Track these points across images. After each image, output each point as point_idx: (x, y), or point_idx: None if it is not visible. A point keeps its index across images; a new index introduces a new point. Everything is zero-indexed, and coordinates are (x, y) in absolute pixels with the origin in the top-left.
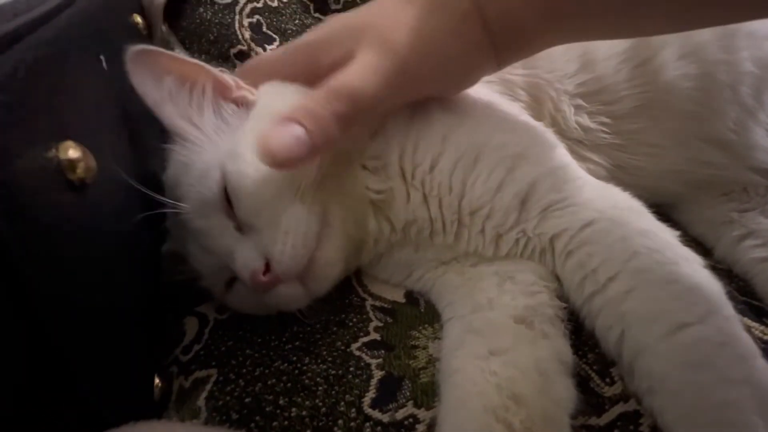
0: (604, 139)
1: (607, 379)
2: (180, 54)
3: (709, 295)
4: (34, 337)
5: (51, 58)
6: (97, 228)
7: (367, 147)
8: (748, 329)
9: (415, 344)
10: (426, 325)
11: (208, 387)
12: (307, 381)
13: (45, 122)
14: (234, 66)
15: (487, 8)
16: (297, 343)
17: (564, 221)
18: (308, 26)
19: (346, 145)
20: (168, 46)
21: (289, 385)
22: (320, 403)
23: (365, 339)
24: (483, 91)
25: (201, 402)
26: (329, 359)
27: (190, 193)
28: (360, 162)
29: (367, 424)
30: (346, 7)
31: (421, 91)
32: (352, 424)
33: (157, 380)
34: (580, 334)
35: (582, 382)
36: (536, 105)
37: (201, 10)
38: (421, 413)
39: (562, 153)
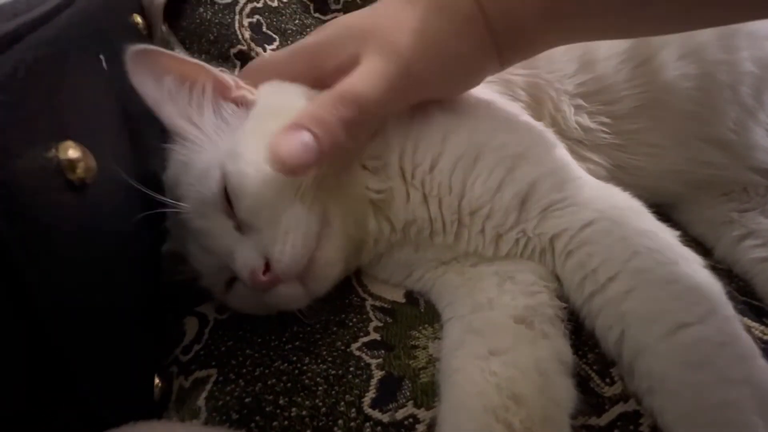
0: (604, 139)
1: (607, 379)
2: (180, 54)
3: (709, 295)
4: (34, 337)
5: (51, 58)
6: (97, 228)
7: (367, 147)
8: (748, 329)
9: (415, 344)
10: (426, 325)
11: (208, 387)
12: (307, 381)
13: (45, 122)
14: (234, 66)
15: (489, 9)
16: (297, 343)
17: (564, 221)
18: (308, 26)
19: (351, 149)
20: (168, 46)
21: (289, 385)
22: (320, 403)
23: (365, 339)
24: (483, 91)
25: (201, 402)
26: (329, 359)
27: (190, 193)
28: (360, 162)
29: (367, 424)
30: (346, 7)
31: (425, 94)
32: (352, 424)
33: (157, 380)
34: (580, 334)
35: (582, 382)
36: (536, 105)
37: (201, 10)
38: (421, 413)
39: (562, 153)
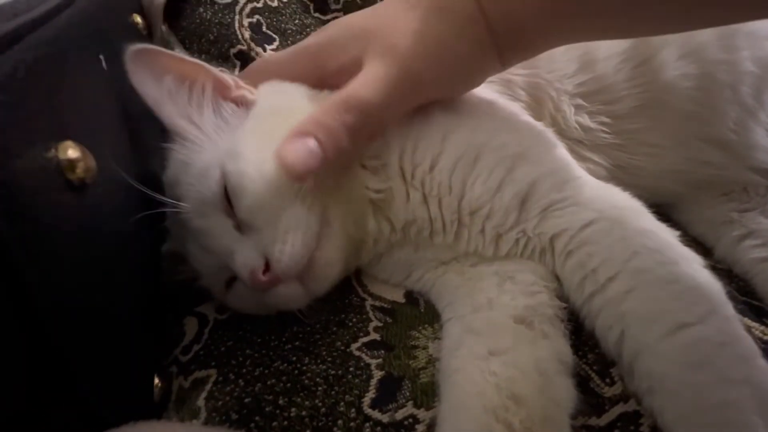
0: (604, 139)
1: (607, 379)
2: (180, 53)
3: (709, 295)
4: (34, 337)
5: (51, 58)
6: (97, 228)
7: (367, 147)
8: (748, 329)
9: (415, 344)
10: (426, 325)
11: (208, 387)
12: (306, 381)
13: (45, 122)
14: (234, 66)
15: (489, 10)
16: (297, 343)
17: (564, 221)
18: (308, 26)
19: (354, 152)
20: (168, 46)
21: (288, 385)
22: (320, 403)
23: (365, 339)
24: (483, 90)
25: (200, 402)
26: (329, 359)
27: (189, 193)
28: (360, 162)
29: (367, 424)
30: (346, 7)
31: (427, 96)
32: (352, 424)
33: (157, 380)
34: (580, 334)
35: (582, 382)
36: (536, 105)
37: (201, 10)
38: (421, 413)
39: (562, 153)
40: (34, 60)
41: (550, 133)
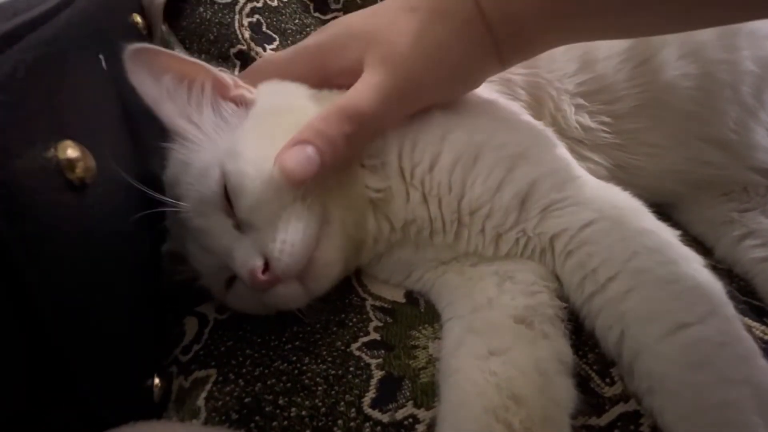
0: (604, 139)
1: (607, 379)
2: (179, 53)
3: (710, 295)
4: (34, 337)
5: (50, 58)
6: (97, 228)
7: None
8: (749, 329)
9: (415, 344)
10: (426, 325)
11: (208, 387)
12: (306, 381)
13: (44, 122)
14: (234, 66)
15: (488, 11)
16: (297, 343)
17: (564, 221)
18: (308, 26)
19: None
20: (168, 45)
21: (288, 385)
22: (320, 403)
23: (365, 339)
24: (483, 90)
25: (201, 402)
26: (329, 359)
27: (189, 192)
28: (359, 161)
29: (367, 424)
30: (346, 7)
31: (427, 102)
32: (352, 424)
33: (157, 380)
34: (580, 334)
35: (582, 382)
36: (536, 104)
37: (201, 9)
38: (421, 413)
39: (562, 152)
40: (34, 60)
41: (550, 133)
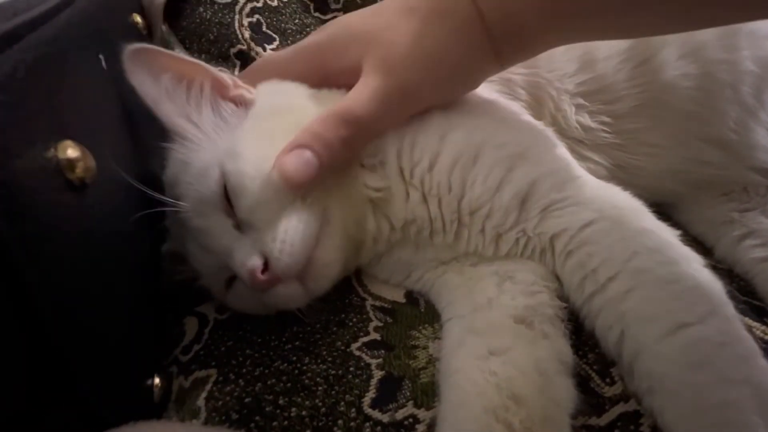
0: (604, 139)
1: (607, 379)
2: (178, 53)
3: (710, 295)
4: (34, 337)
5: (51, 58)
6: (97, 228)
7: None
8: (749, 329)
9: (415, 344)
10: (426, 325)
11: (208, 387)
12: (307, 381)
13: (44, 122)
14: (234, 66)
15: (488, 12)
16: (297, 343)
17: (564, 221)
18: (308, 26)
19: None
20: (168, 45)
21: (289, 385)
22: (320, 403)
23: (365, 339)
24: (483, 90)
25: (201, 402)
26: (329, 359)
27: (189, 192)
28: (358, 160)
29: (367, 424)
30: (346, 7)
31: (427, 103)
32: (352, 424)
33: (157, 380)
34: (580, 334)
35: (582, 382)
36: (537, 104)
37: (201, 9)
38: (421, 413)
39: (562, 152)
40: (34, 60)
41: (550, 133)
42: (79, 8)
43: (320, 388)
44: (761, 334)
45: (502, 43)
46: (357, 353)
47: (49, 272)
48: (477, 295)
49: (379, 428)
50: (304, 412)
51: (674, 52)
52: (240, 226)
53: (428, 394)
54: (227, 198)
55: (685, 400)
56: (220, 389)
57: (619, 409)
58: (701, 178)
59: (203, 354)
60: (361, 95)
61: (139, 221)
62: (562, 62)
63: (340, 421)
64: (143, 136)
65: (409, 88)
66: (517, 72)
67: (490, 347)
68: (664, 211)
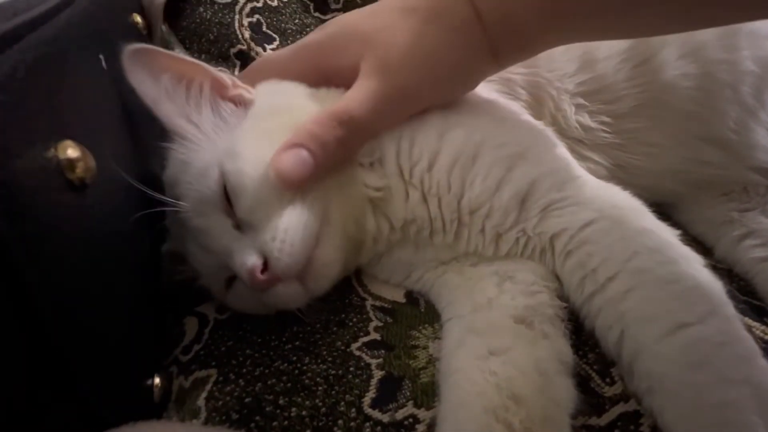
0: (604, 139)
1: (607, 379)
2: (178, 53)
3: (710, 295)
4: (34, 337)
5: (51, 58)
6: (97, 228)
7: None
8: (749, 329)
9: (415, 344)
10: (426, 325)
11: (208, 387)
12: (307, 381)
13: (44, 122)
14: (234, 66)
15: (486, 12)
16: (297, 343)
17: (564, 221)
18: (308, 26)
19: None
20: (168, 45)
21: (289, 385)
22: (320, 403)
23: (365, 339)
24: (483, 89)
25: (201, 402)
26: (329, 359)
27: (189, 192)
28: (357, 160)
29: (367, 424)
30: (346, 7)
31: (426, 104)
32: (352, 424)
33: (157, 380)
34: (580, 334)
35: (582, 382)
36: (536, 104)
37: (201, 9)
38: (421, 413)
39: (562, 152)
40: (34, 60)
41: (550, 133)
42: (79, 8)
43: (320, 388)
44: (761, 334)
45: (500, 43)
46: (357, 353)
47: (49, 272)
48: (477, 295)
49: (379, 428)
50: (304, 412)
51: (674, 52)
52: (240, 225)
53: (428, 394)
54: (227, 198)
55: (685, 400)
56: (221, 389)
57: (619, 409)
58: (701, 178)
59: (203, 354)
60: (357, 96)
61: (139, 221)
62: (562, 62)
63: (340, 421)
64: (143, 136)
65: (408, 89)
66: (517, 72)
67: (490, 347)
68: (664, 211)
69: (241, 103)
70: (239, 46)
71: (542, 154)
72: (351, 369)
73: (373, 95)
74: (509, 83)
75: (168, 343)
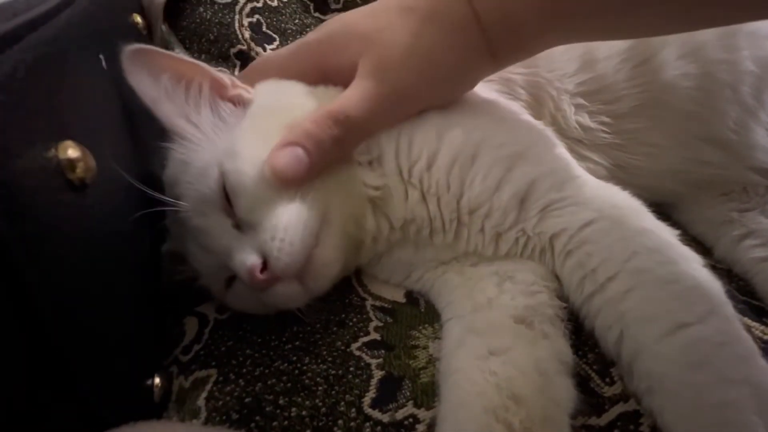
0: (604, 139)
1: (607, 379)
2: (177, 53)
3: (709, 295)
4: (34, 337)
5: (51, 58)
6: (97, 228)
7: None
8: (748, 329)
9: (415, 344)
10: (426, 325)
11: (208, 387)
12: (307, 381)
13: (44, 122)
14: (234, 66)
15: (485, 12)
16: (297, 343)
17: (563, 221)
18: (308, 26)
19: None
20: (168, 45)
21: (289, 385)
22: (320, 403)
23: (365, 339)
24: (482, 89)
25: (201, 402)
26: (329, 359)
27: (188, 192)
28: (356, 159)
29: (367, 424)
30: (346, 7)
31: (423, 105)
32: (352, 424)
33: (157, 380)
34: (580, 334)
35: (582, 382)
36: (536, 104)
37: (201, 9)
38: (421, 413)
39: (562, 152)
40: (34, 60)
41: (549, 133)
42: (79, 8)
43: (320, 388)
44: (760, 334)
45: (499, 43)
46: (357, 353)
47: (49, 272)
48: (477, 295)
49: (379, 428)
50: (304, 412)
51: (674, 52)
52: (239, 225)
53: (428, 394)
54: (227, 197)
55: (685, 400)
56: (221, 389)
57: (619, 409)
58: (701, 178)
59: (203, 354)
60: (354, 95)
61: (139, 221)
62: (562, 62)
63: (340, 421)
64: (143, 136)
65: (405, 89)
66: (516, 71)
67: (490, 347)
68: (664, 211)
69: (240, 103)
70: (239, 46)
71: (542, 154)
72: (351, 369)
73: (370, 95)
74: (509, 83)
75: (168, 343)
